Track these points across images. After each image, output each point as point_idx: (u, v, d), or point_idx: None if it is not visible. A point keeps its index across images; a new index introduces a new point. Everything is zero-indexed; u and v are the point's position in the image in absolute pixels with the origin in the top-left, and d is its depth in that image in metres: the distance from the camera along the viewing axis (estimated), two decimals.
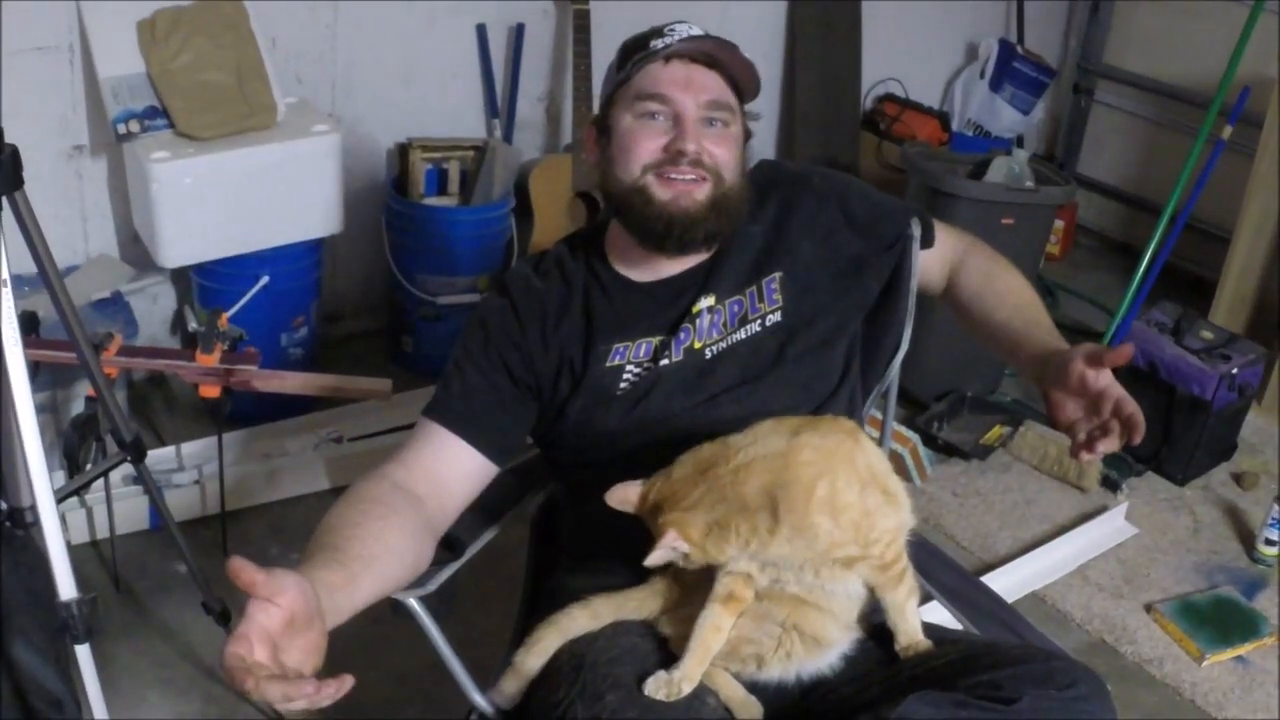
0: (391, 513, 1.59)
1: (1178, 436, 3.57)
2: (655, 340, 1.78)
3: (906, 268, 1.92)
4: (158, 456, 3.19)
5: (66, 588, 1.73)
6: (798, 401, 1.75)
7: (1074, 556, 3.23)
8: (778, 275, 1.81)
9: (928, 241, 1.94)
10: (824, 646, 1.54)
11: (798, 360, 1.78)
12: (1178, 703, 2.81)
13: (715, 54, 1.74)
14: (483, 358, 1.77)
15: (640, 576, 1.62)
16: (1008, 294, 1.90)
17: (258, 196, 3.24)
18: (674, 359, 1.76)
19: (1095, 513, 3.37)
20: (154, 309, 3.66)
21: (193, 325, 3.16)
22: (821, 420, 1.53)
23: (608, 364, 1.77)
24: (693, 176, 1.72)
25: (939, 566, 1.93)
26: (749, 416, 1.58)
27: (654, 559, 1.49)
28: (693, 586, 1.57)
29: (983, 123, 4.99)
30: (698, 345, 1.77)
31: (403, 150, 3.79)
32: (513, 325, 1.78)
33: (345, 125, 3.50)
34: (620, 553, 1.58)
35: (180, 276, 3.58)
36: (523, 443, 1.83)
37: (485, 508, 1.82)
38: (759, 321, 1.79)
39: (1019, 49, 4.97)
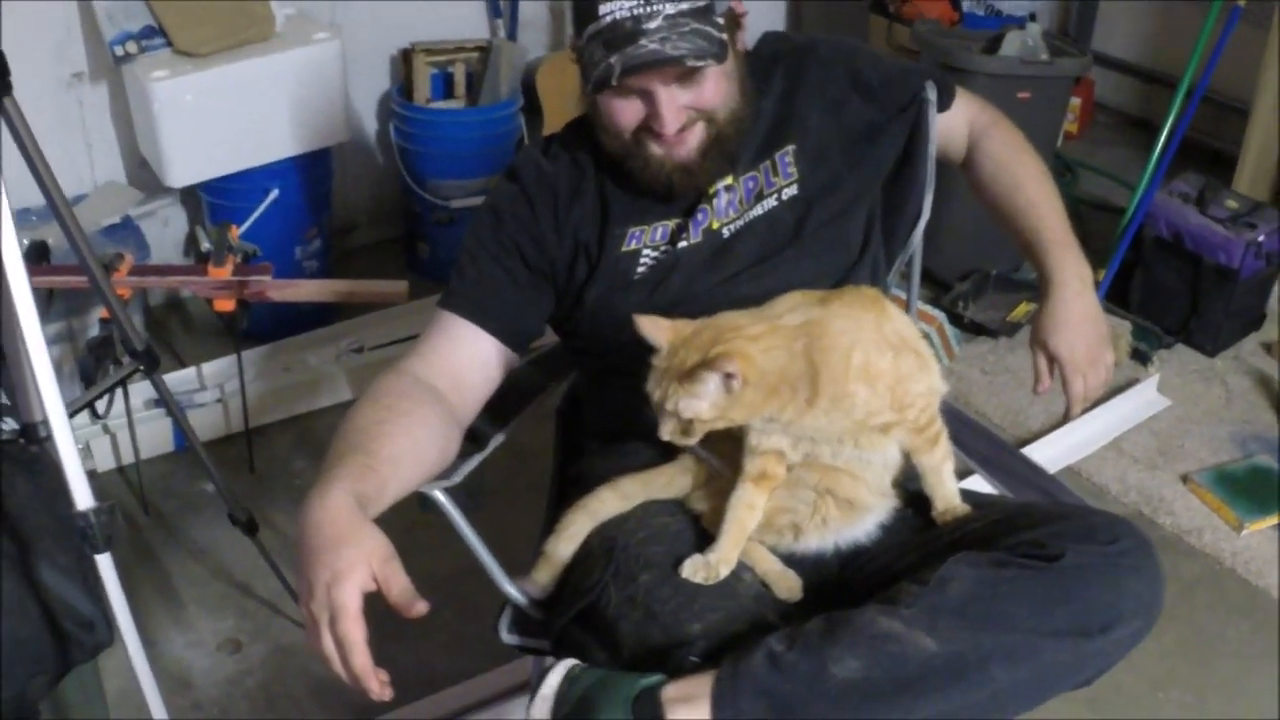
0: (415, 407, 1.56)
1: (1206, 307, 3.52)
2: (672, 223, 1.74)
3: (923, 132, 1.87)
4: (179, 378, 3.19)
5: (83, 497, 1.71)
6: (819, 274, 1.70)
7: (1107, 430, 3.20)
8: (791, 148, 1.76)
9: (945, 104, 1.88)
10: (860, 511, 1.51)
11: (816, 232, 1.74)
12: (1218, 572, 2.79)
13: (664, 54, 1.57)
14: (495, 244, 1.73)
15: (667, 456, 1.59)
16: (1022, 184, 1.86)
17: (261, 109, 3.20)
18: (692, 240, 1.72)
19: (1126, 386, 3.34)
20: (165, 232, 3.63)
21: (205, 245, 3.14)
22: (845, 290, 1.50)
23: (624, 248, 1.72)
24: (680, 136, 1.65)
25: (973, 435, 1.90)
26: (770, 293, 1.54)
27: (703, 384, 1.39)
28: (721, 459, 1.54)
29: (993, 1, 4.90)
30: (715, 225, 1.73)
31: (406, 56, 3.73)
32: (524, 210, 1.74)
33: (346, 33, 3.44)
34: (645, 433, 1.53)
35: (190, 197, 3.56)
36: (541, 329, 1.78)
37: (508, 399, 1.79)
38: (775, 196, 1.75)
39: None
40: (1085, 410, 1.87)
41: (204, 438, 3.00)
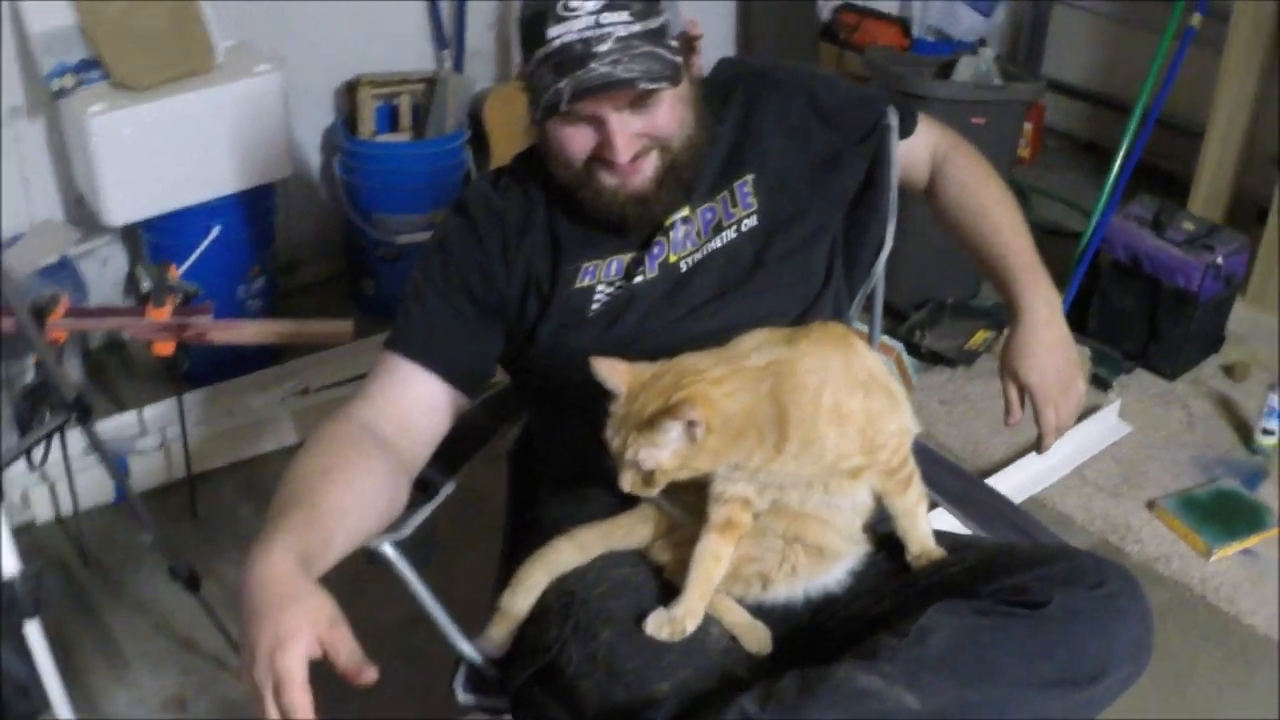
0: (361, 456, 1.49)
1: (1165, 330, 3.49)
2: (627, 257, 1.67)
3: (885, 160, 1.81)
4: (120, 423, 3.09)
5: (9, 564, 1.63)
6: (781, 308, 1.64)
7: (1070, 458, 3.15)
8: (749, 177, 1.70)
9: (907, 130, 1.83)
10: (830, 558, 1.44)
11: (777, 264, 1.67)
12: (1188, 599, 2.74)
13: (615, 77, 1.49)
14: (443, 281, 1.66)
15: (626, 503, 1.52)
16: (987, 209, 1.83)
17: (201, 144, 3.11)
18: (648, 274, 1.65)
19: (1087, 412, 3.28)
20: (105, 272, 3.52)
21: (146, 285, 3.06)
22: (812, 327, 1.43)
23: (577, 284, 1.65)
24: (634, 165, 1.58)
25: (940, 472, 1.83)
26: (730, 328, 1.48)
27: (664, 433, 1.32)
28: (684, 508, 1.47)
29: (943, 27, 4.88)
30: (673, 258, 1.66)
31: (350, 88, 3.67)
32: (473, 245, 1.66)
33: (289, 66, 3.36)
34: (602, 478, 1.47)
35: (130, 236, 3.45)
36: (492, 370, 1.71)
37: (458, 444, 1.71)
38: (734, 228, 1.68)
39: None
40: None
41: (146, 485, 2.95)
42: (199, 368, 3.13)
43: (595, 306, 1.64)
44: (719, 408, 1.32)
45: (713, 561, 1.40)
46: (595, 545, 1.51)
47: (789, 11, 4.54)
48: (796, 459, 1.35)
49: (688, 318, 1.63)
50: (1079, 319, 3.61)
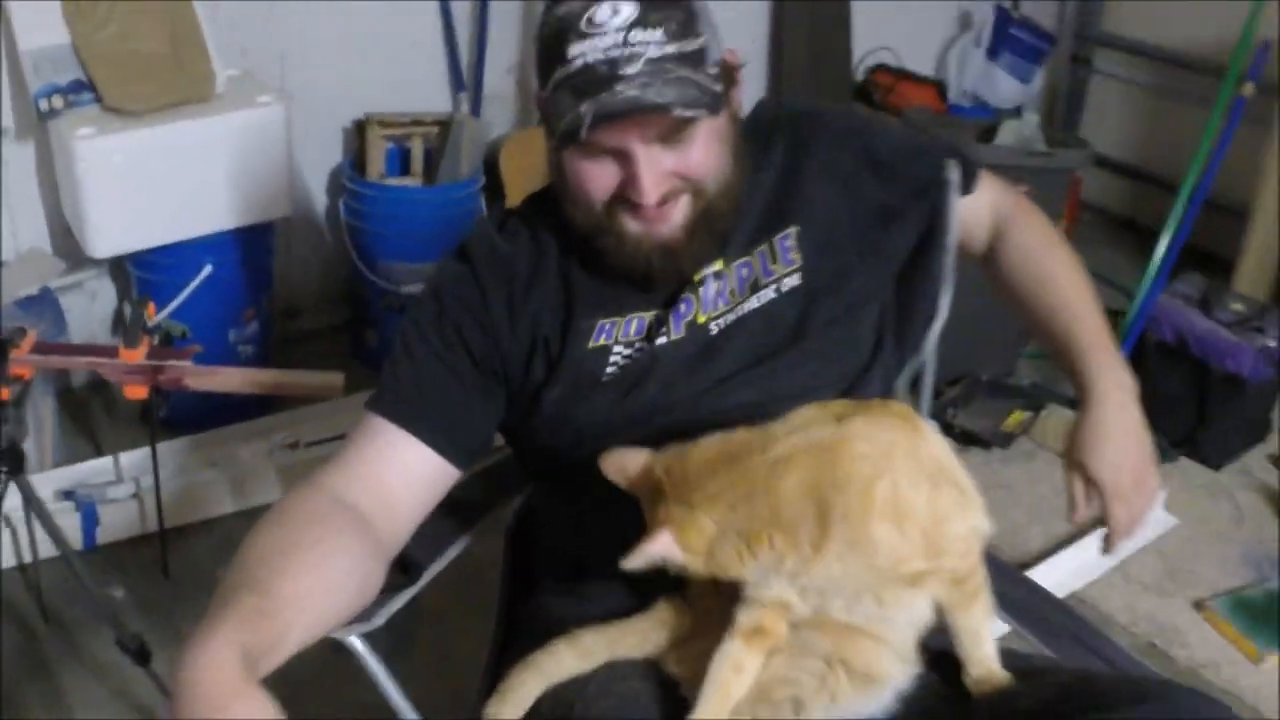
0: (330, 534, 1.27)
1: (1213, 417, 3.29)
2: (649, 315, 1.46)
3: (943, 219, 1.60)
4: (95, 469, 2.91)
5: None
6: (823, 381, 1.43)
7: (1113, 552, 2.92)
8: (793, 231, 1.49)
9: (968, 187, 1.62)
10: (877, 684, 1.21)
11: (822, 331, 1.46)
12: (1240, 709, 2.53)
13: (645, 101, 1.29)
14: (437, 336, 1.44)
15: (639, 601, 1.30)
16: (1055, 279, 1.63)
17: (196, 176, 2.94)
18: (673, 336, 1.44)
19: None
20: (92, 308, 3.36)
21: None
22: (870, 404, 1.22)
23: (591, 344, 1.44)
24: (662, 210, 1.37)
25: (994, 573, 1.62)
26: (765, 403, 1.29)
27: (634, 560, 1.17)
28: (711, 614, 1.25)
29: (980, 93, 4.75)
30: (702, 319, 1.45)
31: (359, 127, 3.49)
32: (474, 295, 1.45)
33: (296, 101, 3.21)
34: (614, 570, 1.25)
35: (119, 270, 3.29)
36: (489, 440, 1.49)
37: (448, 520, 1.51)
38: (773, 287, 1.47)
39: (1014, 15, 4.71)
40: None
41: (117, 536, 2.78)
42: (181, 412, 2.99)
43: (610, 370, 1.43)
44: (702, 529, 1.16)
45: (732, 671, 1.18)
46: (600, 651, 1.28)
47: (822, 72, 4.40)
48: (842, 560, 1.14)
49: (716, 389, 1.42)
50: None
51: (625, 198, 1.36)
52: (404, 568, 1.43)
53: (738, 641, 1.19)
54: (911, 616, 1.20)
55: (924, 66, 4.75)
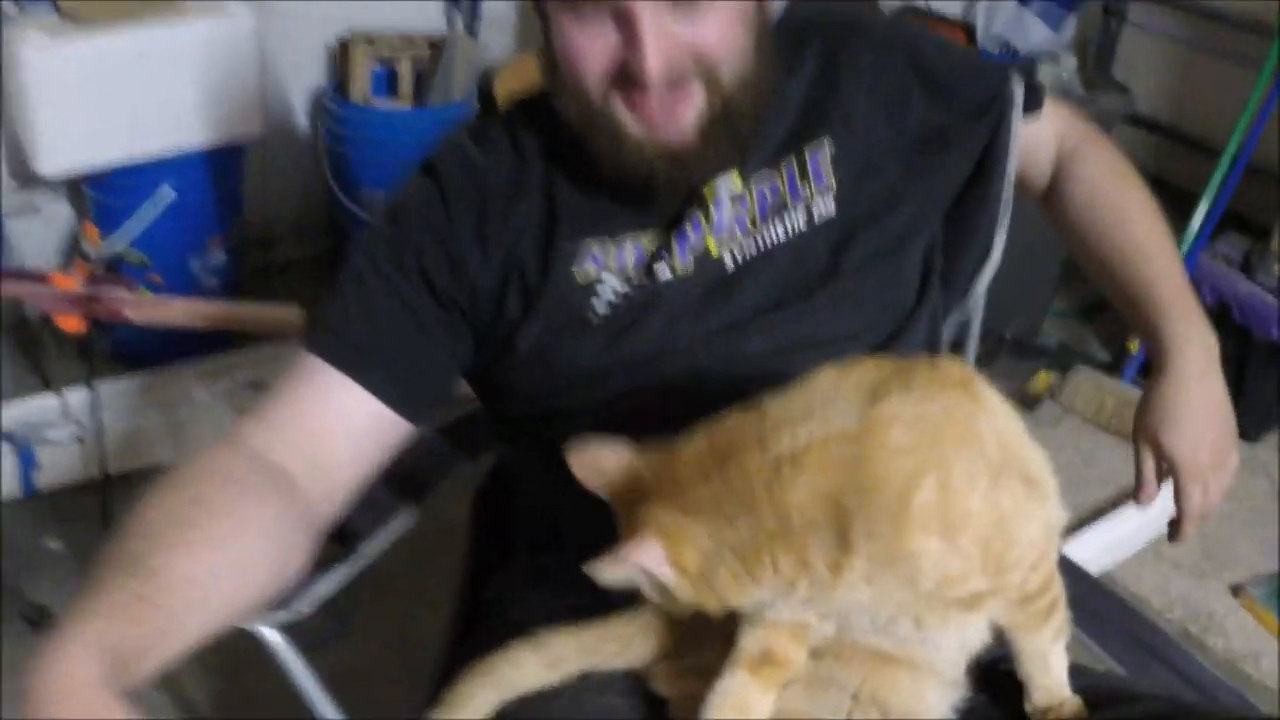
0: (241, 502, 1.03)
1: (1252, 386, 3.06)
2: (648, 240, 1.20)
3: (1003, 143, 1.34)
4: (39, 407, 2.66)
5: None
6: (860, 330, 1.19)
7: (1145, 527, 2.71)
8: (826, 144, 1.23)
9: (1032, 107, 1.37)
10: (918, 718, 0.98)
11: (860, 270, 1.21)
12: (1227, 689, 2.35)
13: None
14: (392, 264, 1.19)
15: (626, 597, 1.04)
16: (1129, 221, 1.41)
17: (157, 90, 2.69)
18: (678, 270, 1.19)
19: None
20: (47, 232, 3.11)
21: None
22: (915, 368, 0.93)
23: (577, 274, 1.19)
24: (670, 100, 1.12)
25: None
26: (788, 353, 1.08)
27: (609, 569, 0.92)
28: (713, 622, 0.98)
29: (1010, 38, 4.52)
30: (713, 248, 1.19)
31: (344, 46, 3.23)
32: (438, 216, 1.20)
33: (275, 17, 2.97)
34: (598, 555, 1.01)
35: (77, 193, 3.03)
36: (449, 389, 1.25)
37: (400, 481, 1.27)
38: (802, 212, 1.21)
39: None
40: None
41: (59, 481, 2.55)
42: (135, 348, 2.76)
43: (600, 307, 1.18)
44: (695, 544, 0.89)
45: (735, 714, 0.93)
46: (571, 659, 1.04)
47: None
48: (872, 583, 0.88)
49: (731, 333, 1.17)
50: None
51: (626, 77, 1.10)
52: (342, 539, 1.20)
53: (741, 674, 0.94)
54: (963, 640, 0.95)
55: (953, 9, 4.54)
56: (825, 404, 0.90)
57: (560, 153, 1.20)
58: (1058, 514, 0.96)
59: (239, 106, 2.83)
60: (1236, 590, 2.61)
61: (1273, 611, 2.53)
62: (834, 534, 0.86)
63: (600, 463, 0.97)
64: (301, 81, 3.34)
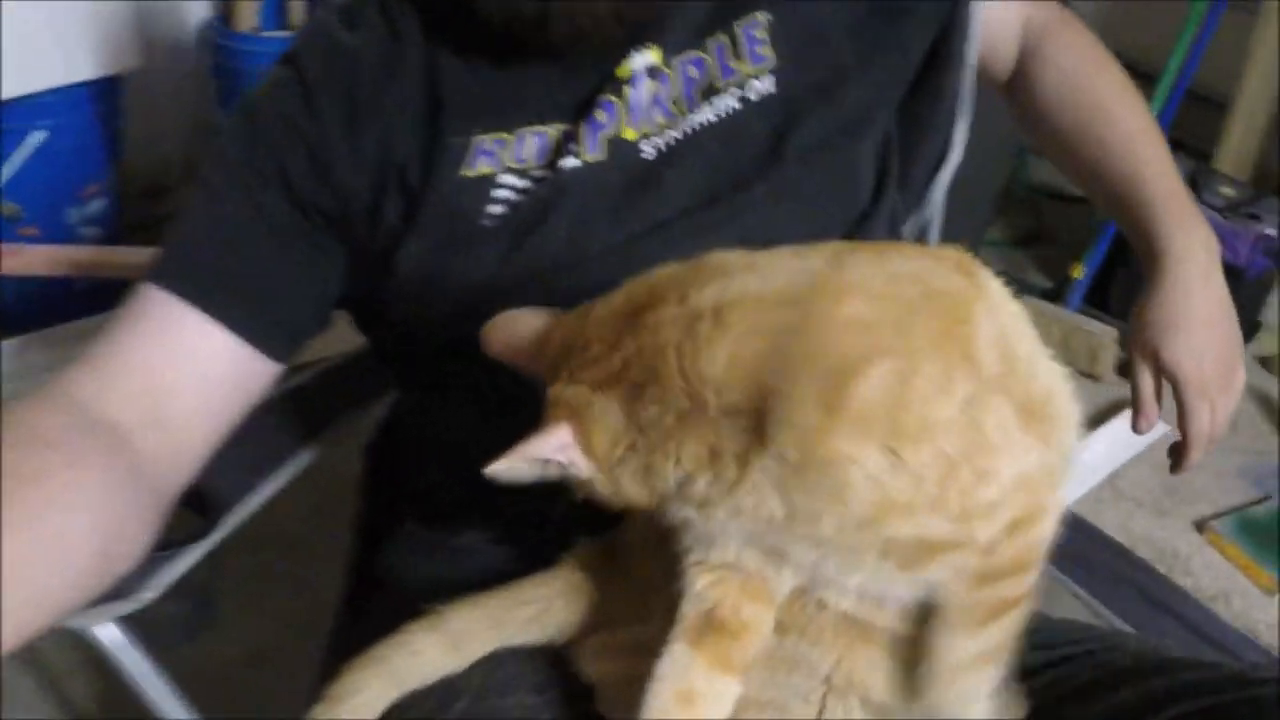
0: (58, 468, 0.82)
1: None
2: (552, 129, 1.00)
3: (961, 23, 1.15)
4: None
5: None
6: (806, 234, 0.98)
7: (1102, 462, 2.63)
8: (762, 17, 1.03)
9: None
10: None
11: (806, 158, 1.01)
12: (1250, 650, 2.25)
13: None
14: (247, 171, 0.98)
15: (543, 553, 0.86)
16: (1104, 104, 1.25)
17: (21, 20, 2.48)
18: (587, 157, 0.98)
19: (1114, 407, 2.73)
20: None
21: None
22: (902, 245, 0.77)
23: (466, 171, 0.98)
24: None
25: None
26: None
27: (507, 464, 0.70)
28: (653, 580, 0.78)
29: None
30: (630, 135, 0.99)
31: None
32: (299, 111, 0.99)
33: None
34: (506, 504, 0.82)
35: None
36: (321, 320, 1.03)
37: (267, 437, 1.06)
38: (735, 92, 1.01)
39: None
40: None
41: None
42: (32, 306, 2.49)
43: (495, 209, 0.96)
44: (608, 422, 0.69)
45: (677, 701, 0.71)
46: (477, 638, 0.83)
47: None
48: (784, 491, 0.66)
49: (651, 237, 0.97)
50: (1100, 296, 3.17)
51: None
52: (200, 509, 0.99)
53: (681, 649, 0.73)
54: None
55: None
56: (775, 260, 0.71)
57: (443, 23, 0.99)
58: (1063, 470, 0.72)
59: (111, 35, 2.65)
60: (1201, 526, 2.51)
61: (1238, 546, 2.44)
62: (749, 418, 0.66)
63: (514, 329, 0.77)
64: (189, 11, 3.15)
